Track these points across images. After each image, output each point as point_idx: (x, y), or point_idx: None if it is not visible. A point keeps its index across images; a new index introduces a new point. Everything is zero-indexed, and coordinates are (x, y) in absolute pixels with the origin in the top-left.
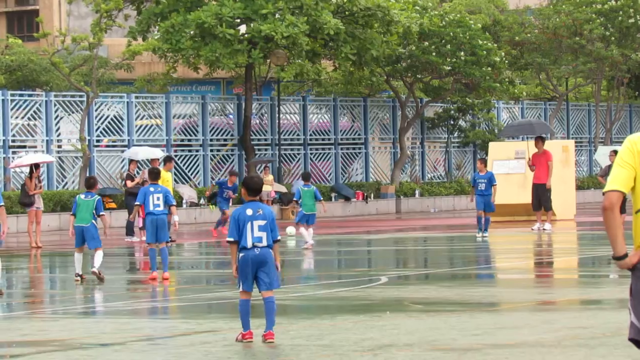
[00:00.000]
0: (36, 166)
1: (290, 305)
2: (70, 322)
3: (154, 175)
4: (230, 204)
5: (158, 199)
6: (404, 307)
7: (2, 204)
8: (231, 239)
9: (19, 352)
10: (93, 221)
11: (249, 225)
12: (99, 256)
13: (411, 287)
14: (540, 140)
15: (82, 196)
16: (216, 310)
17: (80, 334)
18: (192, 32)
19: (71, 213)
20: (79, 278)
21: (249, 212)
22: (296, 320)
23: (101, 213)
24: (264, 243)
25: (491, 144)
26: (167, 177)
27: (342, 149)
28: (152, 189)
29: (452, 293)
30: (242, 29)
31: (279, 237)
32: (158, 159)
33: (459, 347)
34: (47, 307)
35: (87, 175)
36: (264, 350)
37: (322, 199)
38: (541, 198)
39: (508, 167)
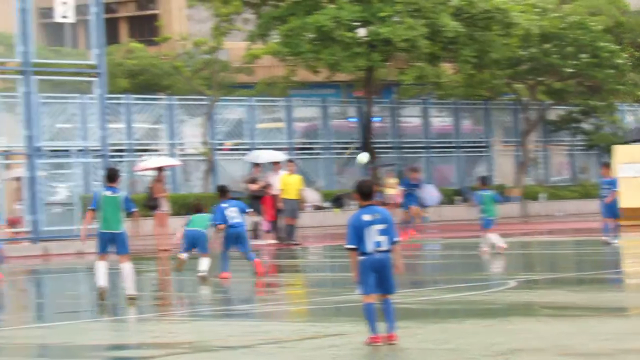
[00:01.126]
0: (161, 170)
1: (418, 309)
2: (198, 324)
3: (223, 192)
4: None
5: (234, 212)
6: (533, 312)
7: (136, 209)
8: (351, 246)
9: (149, 354)
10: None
11: (368, 230)
12: (206, 261)
13: (539, 291)
14: None
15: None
16: (343, 313)
17: (208, 336)
18: (311, 36)
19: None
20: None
21: (367, 217)
22: (424, 324)
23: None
24: (385, 247)
25: (616, 147)
26: (291, 181)
27: (464, 152)
28: (224, 204)
29: (581, 297)
30: (361, 32)
31: (398, 239)
32: (279, 162)
33: (590, 352)
34: (176, 310)
35: (211, 178)
36: (391, 354)
37: (501, 201)
38: None
39: (635, 170)
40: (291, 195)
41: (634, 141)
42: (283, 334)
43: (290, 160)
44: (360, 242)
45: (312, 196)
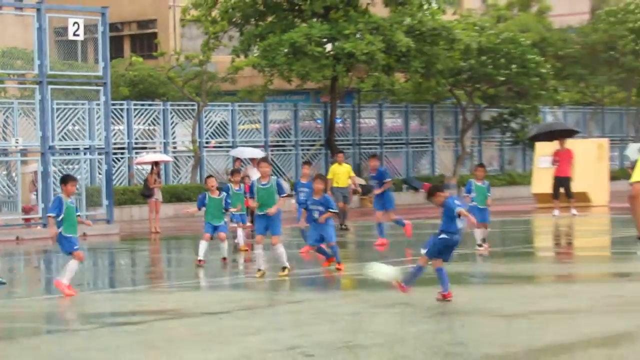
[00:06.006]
0: (156, 164)
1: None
2: (183, 294)
3: None
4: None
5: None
6: (462, 280)
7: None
8: None
9: (140, 319)
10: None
11: None
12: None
13: (469, 263)
14: (562, 139)
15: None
16: (307, 284)
17: (191, 305)
18: (286, 50)
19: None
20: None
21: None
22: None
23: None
24: None
25: (537, 143)
26: (341, 170)
27: (412, 147)
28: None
29: (504, 268)
30: (328, 47)
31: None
32: (257, 158)
33: (507, 314)
34: (165, 282)
35: (198, 171)
36: (340, 313)
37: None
38: (566, 188)
39: (547, 162)
40: (341, 183)
41: (532, 138)
42: (254, 301)
43: (340, 152)
44: None
45: (284, 186)
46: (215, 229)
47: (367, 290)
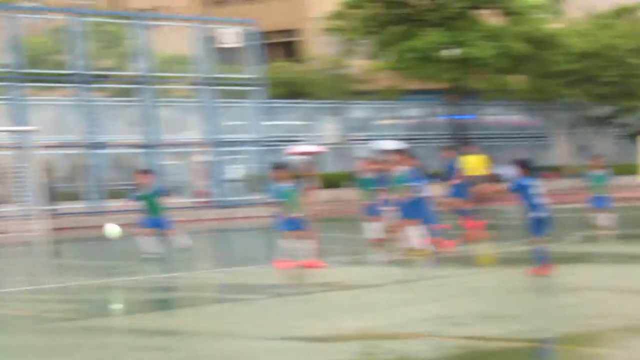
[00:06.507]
0: (310, 154)
1: (512, 259)
2: (343, 269)
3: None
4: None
5: None
6: (591, 259)
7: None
8: None
9: (306, 290)
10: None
11: None
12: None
13: (594, 244)
14: None
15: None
16: (448, 261)
17: (349, 278)
18: (415, 55)
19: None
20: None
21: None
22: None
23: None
24: None
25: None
26: (473, 160)
27: (531, 140)
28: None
29: (627, 248)
30: (450, 52)
31: None
32: (397, 150)
33: (632, 289)
34: (327, 258)
35: (345, 161)
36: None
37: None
38: None
39: None
40: (475, 172)
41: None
42: (404, 276)
43: (470, 144)
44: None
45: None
46: (372, 210)
47: (503, 267)
